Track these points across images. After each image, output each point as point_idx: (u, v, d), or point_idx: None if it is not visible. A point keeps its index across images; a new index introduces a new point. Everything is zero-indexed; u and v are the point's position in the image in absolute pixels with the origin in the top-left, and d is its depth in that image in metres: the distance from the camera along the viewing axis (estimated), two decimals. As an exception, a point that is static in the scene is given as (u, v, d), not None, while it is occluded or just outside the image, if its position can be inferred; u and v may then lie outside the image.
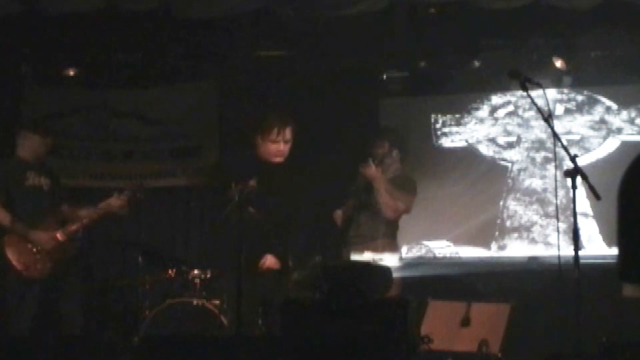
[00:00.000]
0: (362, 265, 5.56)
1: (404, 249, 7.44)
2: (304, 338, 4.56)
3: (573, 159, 4.71)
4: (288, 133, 5.93)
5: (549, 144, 7.17)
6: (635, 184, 1.84)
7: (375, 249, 6.12)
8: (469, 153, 7.70)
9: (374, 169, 6.12)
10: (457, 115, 7.75)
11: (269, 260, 5.80)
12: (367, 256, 6.02)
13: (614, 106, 7.44)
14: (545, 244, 7.40)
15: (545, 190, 7.47)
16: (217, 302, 6.07)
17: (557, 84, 7.39)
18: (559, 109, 7.50)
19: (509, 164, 7.62)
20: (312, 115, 7.50)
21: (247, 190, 5.45)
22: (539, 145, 7.54)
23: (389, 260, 6.00)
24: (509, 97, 7.65)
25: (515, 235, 7.52)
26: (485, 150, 7.68)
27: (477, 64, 7.41)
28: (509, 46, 7.27)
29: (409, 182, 6.40)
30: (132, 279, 6.44)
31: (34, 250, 5.96)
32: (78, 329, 6.57)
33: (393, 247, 6.33)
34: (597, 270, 6.18)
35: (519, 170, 7.59)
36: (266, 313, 5.52)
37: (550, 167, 7.22)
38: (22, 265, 5.94)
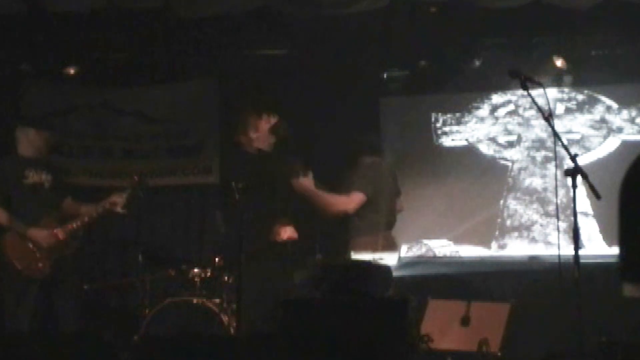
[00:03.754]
0: (362, 264, 5.55)
1: (403, 248, 7.45)
2: (304, 337, 4.55)
3: (573, 158, 4.71)
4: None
5: (550, 143, 7.17)
6: (637, 183, 1.84)
7: (375, 246, 6.09)
8: (469, 152, 7.70)
9: (302, 181, 6.07)
10: (458, 114, 7.75)
11: (288, 231, 5.80)
12: (366, 255, 6.00)
13: (615, 105, 7.44)
14: (546, 243, 7.39)
15: (545, 189, 7.47)
16: (217, 300, 6.07)
17: (558, 83, 7.40)
18: (560, 108, 7.50)
19: (510, 163, 7.62)
20: (312, 114, 7.50)
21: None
22: (540, 144, 7.54)
23: (387, 259, 5.98)
24: (509, 96, 7.65)
25: (516, 234, 7.52)
26: (486, 149, 7.68)
27: (477, 63, 7.41)
28: (510, 45, 7.27)
29: (369, 173, 6.25)
30: (132, 279, 6.44)
31: (34, 248, 5.96)
32: (76, 327, 6.56)
33: (392, 245, 6.29)
34: (597, 270, 6.18)
35: (520, 170, 7.59)
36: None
37: (551, 166, 7.22)
38: (23, 263, 5.93)
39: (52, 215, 6.11)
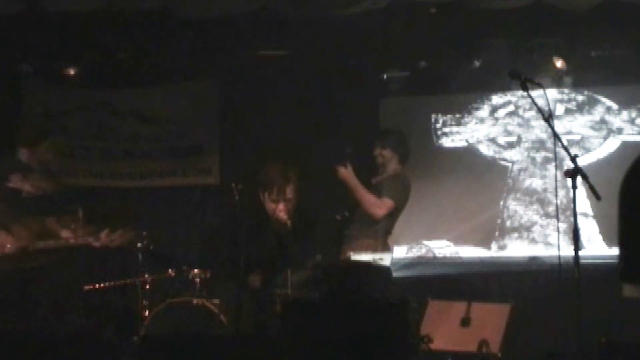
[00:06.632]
0: (362, 265, 5.56)
1: (404, 249, 7.45)
2: (303, 338, 4.55)
3: (573, 159, 4.71)
4: (289, 192, 5.78)
5: (550, 143, 7.17)
6: (636, 184, 1.85)
7: (368, 248, 6.08)
8: (469, 153, 7.70)
9: (345, 171, 6.08)
10: (458, 115, 7.75)
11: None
12: (360, 255, 5.99)
13: (615, 106, 7.45)
14: (546, 244, 7.39)
15: (545, 190, 7.47)
16: (217, 301, 6.07)
17: (558, 83, 7.40)
18: (560, 109, 7.50)
19: (510, 164, 7.63)
20: (311, 115, 7.50)
21: None
22: (540, 145, 7.54)
23: (387, 259, 5.97)
24: (509, 97, 7.65)
25: (516, 235, 7.52)
26: (486, 150, 7.68)
27: (477, 63, 7.41)
28: (509, 46, 7.27)
29: (397, 183, 6.31)
30: (132, 279, 6.43)
31: None
32: (72, 328, 6.50)
33: (386, 247, 6.29)
34: (597, 270, 6.18)
35: (519, 170, 7.59)
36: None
37: (551, 167, 7.22)
38: None
39: (27, 224, 5.94)
